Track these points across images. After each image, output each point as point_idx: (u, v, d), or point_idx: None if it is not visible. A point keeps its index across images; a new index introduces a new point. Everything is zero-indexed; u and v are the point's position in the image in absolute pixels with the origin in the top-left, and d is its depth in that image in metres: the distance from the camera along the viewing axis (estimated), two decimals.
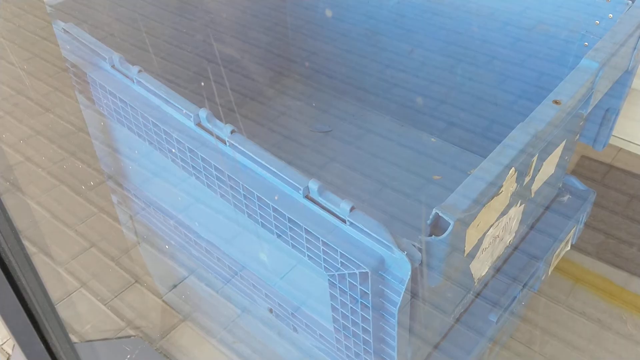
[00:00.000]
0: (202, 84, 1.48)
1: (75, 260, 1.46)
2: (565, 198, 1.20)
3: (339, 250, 0.74)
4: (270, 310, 0.99)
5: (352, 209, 0.75)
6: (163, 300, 1.36)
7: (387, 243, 0.72)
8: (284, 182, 0.80)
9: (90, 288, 1.40)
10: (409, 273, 0.72)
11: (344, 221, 0.76)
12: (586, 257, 1.45)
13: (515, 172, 0.83)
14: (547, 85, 1.28)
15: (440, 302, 0.93)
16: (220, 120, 0.87)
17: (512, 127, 0.86)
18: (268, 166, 0.81)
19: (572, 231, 1.18)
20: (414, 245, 0.74)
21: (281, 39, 1.67)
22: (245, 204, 0.84)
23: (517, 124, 0.86)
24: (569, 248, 1.22)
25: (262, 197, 0.81)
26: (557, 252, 1.17)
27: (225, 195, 0.87)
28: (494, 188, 0.80)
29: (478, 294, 1.07)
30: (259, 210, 0.83)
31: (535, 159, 0.92)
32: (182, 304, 1.35)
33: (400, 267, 0.72)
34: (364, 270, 0.73)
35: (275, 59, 1.67)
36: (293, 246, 0.81)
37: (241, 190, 0.83)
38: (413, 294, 0.81)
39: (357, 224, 0.74)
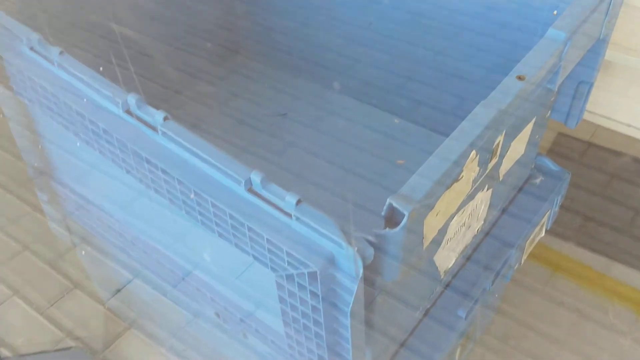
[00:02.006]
0: (143, 64, 1.45)
1: (5, 266, 1.42)
2: (538, 180, 1.21)
3: (284, 248, 0.74)
4: (217, 315, 0.98)
5: (298, 202, 0.74)
6: (106, 307, 1.35)
7: (335, 239, 0.72)
8: (224, 174, 0.79)
9: (23, 296, 1.37)
10: (361, 270, 0.71)
11: (290, 216, 0.75)
12: (564, 243, 1.47)
13: (476, 154, 0.83)
14: (520, 57, 1.28)
15: (403, 297, 0.94)
16: (164, 104, 0.86)
17: None
18: (205, 157, 0.80)
19: (546, 215, 1.19)
20: (367, 240, 0.74)
21: (231, 12, 1.64)
22: (182, 200, 0.83)
23: None
24: (543, 234, 1.24)
25: (200, 192, 0.79)
26: (530, 238, 1.19)
27: (160, 190, 0.86)
28: (452, 173, 0.80)
29: (446, 286, 1.08)
30: (197, 207, 0.81)
31: (501, 138, 0.92)
32: (127, 310, 1.34)
33: (351, 265, 0.72)
34: (312, 270, 0.72)
35: (226, 35, 1.64)
36: (236, 245, 0.80)
37: (177, 185, 0.82)
38: (371, 290, 0.81)
39: (303, 218, 0.74)
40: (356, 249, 0.71)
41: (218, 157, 0.79)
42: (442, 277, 1.02)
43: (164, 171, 0.83)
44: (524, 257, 1.23)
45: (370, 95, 1.49)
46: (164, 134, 0.83)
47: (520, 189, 1.20)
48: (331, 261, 0.73)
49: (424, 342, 1.03)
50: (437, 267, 0.97)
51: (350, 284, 0.73)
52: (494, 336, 1.33)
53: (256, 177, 0.76)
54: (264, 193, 0.77)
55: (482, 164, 0.88)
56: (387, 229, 0.74)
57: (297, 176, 1.35)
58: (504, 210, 1.18)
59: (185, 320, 1.18)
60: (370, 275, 0.77)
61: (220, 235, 0.82)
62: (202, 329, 1.14)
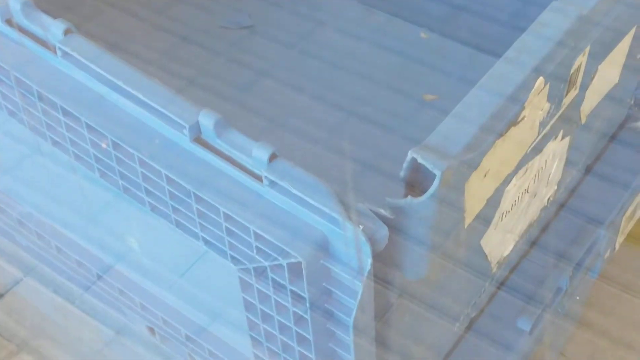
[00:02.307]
0: None
1: None
2: None
3: (251, 228, 0.74)
4: (152, 332, 0.99)
5: (272, 157, 0.74)
6: None
7: (329, 213, 0.72)
8: (158, 116, 0.79)
9: None
10: (369, 262, 0.72)
11: (259, 179, 0.75)
12: None
13: (545, 84, 0.83)
14: None
15: (434, 301, 0.95)
16: (69, 14, 0.86)
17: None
18: (130, 90, 0.79)
19: None
20: (379, 214, 0.74)
21: None
22: (93, 155, 0.83)
23: None
24: None
25: (120, 143, 0.79)
26: (628, 213, 1.20)
27: (61, 141, 0.86)
28: (508, 113, 0.80)
29: (501, 285, 1.10)
30: (117, 167, 0.81)
31: (582, 60, 0.92)
32: (14, 325, 1.35)
33: (354, 253, 0.72)
34: (294, 260, 0.73)
35: None
36: (178, 225, 0.81)
37: (85, 133, 0.82)
38: (385, 292, 0.82)
39: (280, 182, 0.74)
40: (361, 228, 0.71)
41: (149, 91, 0.79)
42: (493, 270, 1.03)
43: (65, 111, 0.83)
44: (620, 239, 1.24)
45: None
46: (65, 55, 0.83)
47: (613, 138, 1.21)
48: (323, 247, 0.74)
49: None
50: (486, 256, 0.98)
51: (352, 282, 0.74)
52: (574, 359, 1.35)
53: (207, 120, 0.76)
54: (219, 144, 0.77)
55: (554, 98, 0.88)
56: (409, 197, 0.74)
57: (271, 121, 1.36)
58: (588, 170, 1.19)
59: (104, 341, 1.19)
60: (384, 270, 0.77)
61: (153, 209, 0.82)
62: (129, 353, 1.15)
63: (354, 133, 1.34)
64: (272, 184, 0.74)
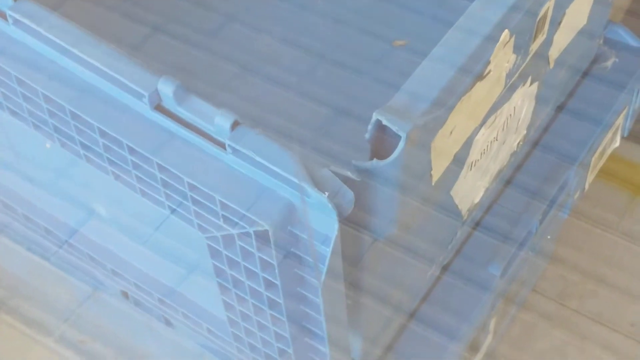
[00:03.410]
0: None
1: None
2: (610, 62, 1.21)
3: (216, 197, 0.73)
4: (125, 295, 0.99)
5: (234, 124, 0.73)
6: None
7: (295, 180, 0.71)
8: (115, 83, 0.77)
9: None
10: (336, 226, 0.71)
11: (223, 147, 0.74)
12: None
13: (511, 35, 0.82)
14: None
15: (407, 246, 0.95)
16: None
17: None
18: (82, 57, 0.77)
19: (621, 114, 1.20)
20: (346, 177, 0.74)
21: None
22: (52, 125, 0.81)
23: None
24: (617, 143, 1.25)
25: (79, 114, 0.77)
26: (599, 151, 1.20)
27: (18, 111, 0.84)
28: (474, 68, 0.79)
29: (473, 229, 1.10)
30: (77, 137, 0.80)
31: (550, 4, 0.90)
32: None
33: (322, 217, 0.72)
34: (260, 228, 0.72)
35: None
36: (143, 194, 0.80)
37: (42, 103, 0.80)
38: (355, 249, 0.82)
39: (243, 150, 0.72)
40: (326, 194, 0.70)
41: (106, 58, 0.77)
42: (465, 218, 1.03)
43: (20, 81, 0.81)
44: (590, 178, 1.24)
45: None
46: (16, 22, 0.80)
47: (582, 77, 1.20)
48: (290, 213, 0.73)
49: (442, 312, 1.06)
50: (456, 205, 0.98)
51: (320, 247, 0.73)
52: (547, 296, 1.36)
53: (167, 88, 0.74)
54: (180, 112, 0.75)
55: (521, 48, 0.87)
56: (375, 160, 0.73)
57: (241, 67, 1.33)
58: (559, 109, 1.18)
59: (80, 300, 1.19)
60: (352, 232, 0.77)
61: (116, 177, 0.81)
62: (107, 310, 1.15)
63: (324, 77, 1.32)
64: (236, 151, 0.73)
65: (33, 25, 0.79)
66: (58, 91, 0.79)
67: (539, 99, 1.05)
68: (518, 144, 1.07)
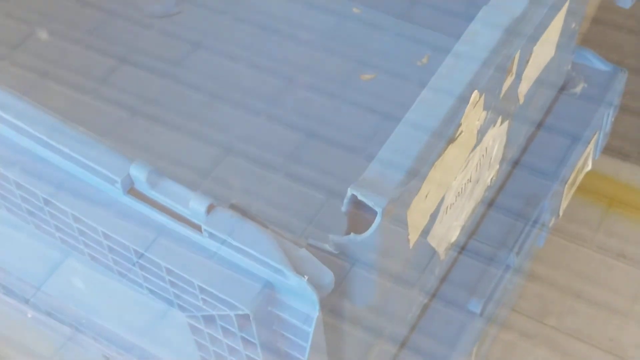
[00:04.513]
0: None
1: None
2: (579, 88, 1.21)
3: (195, 282, 0.72)
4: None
5: (210, 208, 0.72)
6: None
7: (274, 264, 0.70)
8: (87, 169, 0.76)
9: None
10: (317, 307, 0.71)
11: (199, 229, 0.73)
12: (621, 164, 1.48)
13: (480, 95, 0.81)
14: None
15: (389, 300, 0.94)
16: None
17: None
18: (52, 143, 0.76)
19: (592, 140, 1.20)
20: (324, 249, 0.73)
21: None
22: (27, 210, 0.80)
23: None
24: (589, 167, 1.25)
25: (51, 200, 0.76)
26: (570, 179, 1.19)
27: None
28: (445, 131, 0.78)
29: (450, 268, 1.09)
30: (52, 221, 0.79)
31: (518, 54, 0.91)
32: None
33: (303, 299, 0.71)
34: (241, 312, 0.71)
35: None
36: (121, 274, 0.79)
37: (14, 189, 0.79)
38: (337, 323, 0.81)
39: (219, 234, 0.72)
40: (306, 278, 0.69)
41: (77, 144, 0.76)
42: (442, 258, 1.03)
43: None
44: (564, 204, 1.24)
45: None
46: None
47: (551, 105, 1.20)
48: (270, 295, 0.73)
49: (421, 353, 1.06)
50: (434, 249, 0.98)
51: (302, 326, 0.73)
52: (526, 314, 1.36)
53: (139, 172, 0.73)
54: (153, 195, 0.74)
55: (491, 103, 0.86)
56: (352, 234, 0.73)
57: (208, 95, 1.31)
58: (530, 140, 1.18)
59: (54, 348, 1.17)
60: (334, 304, 0.76)
61: (93, 259, 0.80)
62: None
63: (292, 102, 1.31)
64: (212, 235, 0.72)
65: (3, 115, 0.78)
66: (29, 178, 0.78)
67: (511, 135, 1.04)
68: (492, 179, 1.07)
